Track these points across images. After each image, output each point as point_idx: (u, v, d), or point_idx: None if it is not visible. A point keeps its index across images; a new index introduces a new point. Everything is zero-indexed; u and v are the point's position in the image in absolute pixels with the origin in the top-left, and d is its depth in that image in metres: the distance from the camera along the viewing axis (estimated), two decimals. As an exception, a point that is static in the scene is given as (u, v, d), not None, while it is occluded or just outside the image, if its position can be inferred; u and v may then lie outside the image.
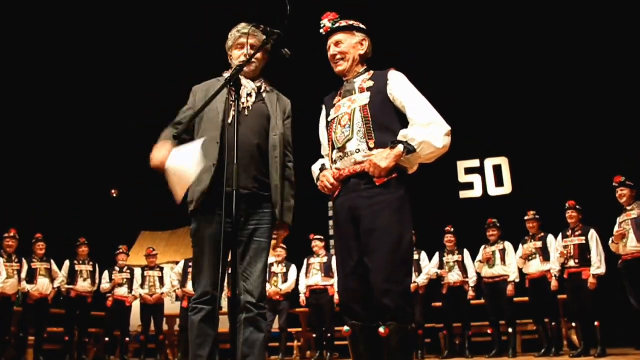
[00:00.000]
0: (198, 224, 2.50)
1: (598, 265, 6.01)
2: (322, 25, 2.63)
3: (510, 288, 6.84)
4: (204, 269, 2.44)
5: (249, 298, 2.39)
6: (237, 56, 2.62)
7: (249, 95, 2.59)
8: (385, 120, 2.41)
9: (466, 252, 7.42)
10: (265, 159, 2.54)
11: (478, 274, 7.26)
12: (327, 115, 2.63)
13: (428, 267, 7.31)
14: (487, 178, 9.77)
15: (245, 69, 2.52)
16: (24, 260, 7.27)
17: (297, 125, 2.77)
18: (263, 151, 2.54)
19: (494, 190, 9.69)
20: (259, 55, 2.59)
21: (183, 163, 2.23)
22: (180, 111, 2.68)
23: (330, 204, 9.51)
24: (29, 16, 9.06)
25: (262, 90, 2.65)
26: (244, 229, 2.48)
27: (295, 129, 2.76)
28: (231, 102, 2.46)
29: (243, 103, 2.56)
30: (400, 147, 2.30)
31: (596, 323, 6.00)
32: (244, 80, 2.59)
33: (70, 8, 8.98)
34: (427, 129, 2.31)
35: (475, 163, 9.89)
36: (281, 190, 2.53)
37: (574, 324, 6.84)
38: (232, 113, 2.46)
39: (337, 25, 2.60)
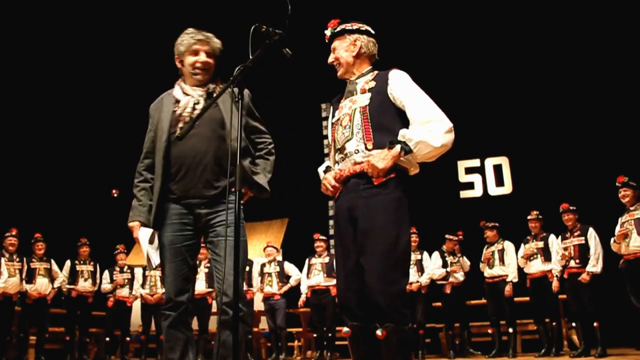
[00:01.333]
0: (159, 233, 2.59)
1: (594, 264, 6.02)
2: (325, 35, 2.68)
3: (507, 288, 6.83)
4: (166, 276, 2.52)
5: (225, 299, 2.39)
6: (190, 62, 2.59)
7: (196, 103, 2.57)
8: (385, 121, 2.40)
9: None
10: (224, 163, 2.45)
11: (481, 274, 7.28)
12: (333, 116, 2.65)
13: (431, 267, 7.31)
14: (487, 178, 9.77)
15: (199, 77, 2.59)
16: (25, 260, 7.28)
17: (299, 127, 2.75)
18: (219, 157, 2.48)
19: (494, 190, 9.69)
20: (212, 60, 2.61)
21: (144, 248, 2.60)
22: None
23: (331, 203, 9.56)
24: (30, 16, 9.06)
25: (214, 93, 2.57)
26: (210, 232, 2.50)
27: (298, 130, 2.74)
28: (178, 114, 2.54)
29: (189, 113, 2.54)
30: (398, 148, 2.30)
31: (595, 323, 6.00)
32: (188, 89, 2.60)
33: (69, 9, 8.98)
34: (426, 128, 2.30)
35: (475, 162, 9.89)
36: (246, 172, 2.48)
37: (574, 324, 6.84)
38: (179, 125, 2.50)
39: (335, 32, 2.64)
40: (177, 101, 2.60)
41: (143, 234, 2.58)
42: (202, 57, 2.59)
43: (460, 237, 7.53)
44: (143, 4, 9.15)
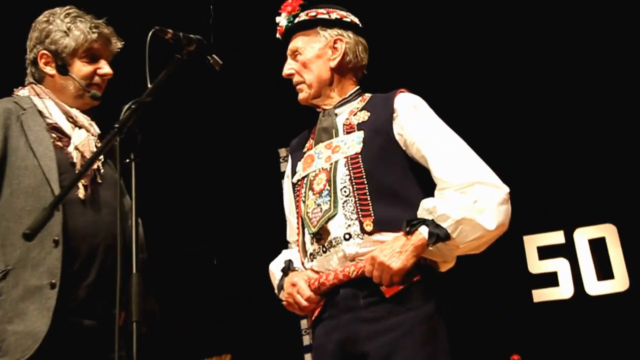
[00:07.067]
0: None
1: None
2: (277, 25, 1.77)
3: None
4: None
5: None
6: (85, 72, 1.71)
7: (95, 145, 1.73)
8: (391, 181, 1.60)
9: None
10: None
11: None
12: (293, 172, 1.77)
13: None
14: (580, 263, 5.94)
15: (94, 96, 1.76)
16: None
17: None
18: (128, 244, 1.40)
19: (594, 286, 5.84)
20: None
21: None
22: None
23: (304, 323, 5.74)
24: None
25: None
26: None
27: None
28: (75, 160, 1.61)
29: (93, 166, 1.68)
30: (424, 232, 1.48)
31: None
32: (79, 116, 1.72)
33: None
34: (469, 197, 1.50)
35: (558, 238, 6.09)
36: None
37: None
38: (80, 184, 1.59)
39: (296, 21, 1.72)
40: (56, 128, 1.66)
41: None
42: (105, 67, 1.77)
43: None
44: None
